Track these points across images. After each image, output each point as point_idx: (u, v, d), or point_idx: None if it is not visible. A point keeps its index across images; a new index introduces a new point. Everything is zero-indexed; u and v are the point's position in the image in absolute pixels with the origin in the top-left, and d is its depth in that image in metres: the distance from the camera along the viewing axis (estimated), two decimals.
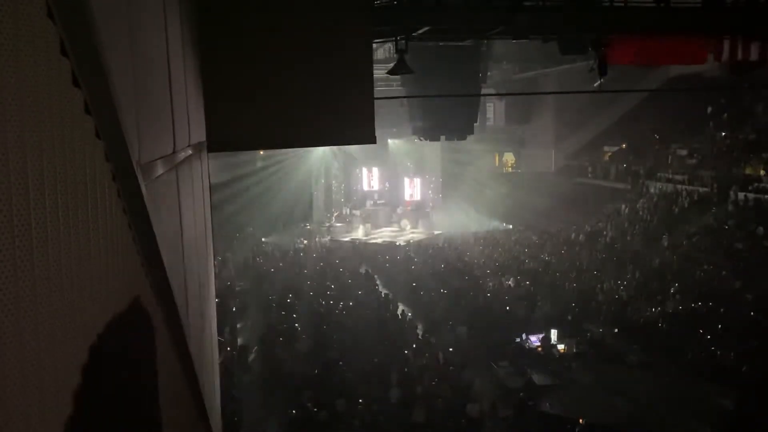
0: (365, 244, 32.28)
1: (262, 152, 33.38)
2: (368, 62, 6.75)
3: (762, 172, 25.86)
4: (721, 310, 18.19)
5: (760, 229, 22.44)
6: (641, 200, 29.95)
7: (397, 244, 32.18)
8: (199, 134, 5.08)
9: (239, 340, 17.04)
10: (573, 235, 29.23)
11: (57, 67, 1.37)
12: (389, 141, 37.13)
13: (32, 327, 1.24)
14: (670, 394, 14.24)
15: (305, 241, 32.26)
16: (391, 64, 12.43)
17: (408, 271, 24.97)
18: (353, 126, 6.77)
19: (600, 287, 21.67)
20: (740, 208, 24.70)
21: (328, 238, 34.12)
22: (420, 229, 36.20)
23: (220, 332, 13.58)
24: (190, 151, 3.98)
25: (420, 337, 17.47)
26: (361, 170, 39.28)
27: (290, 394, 13.48)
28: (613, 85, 19.03)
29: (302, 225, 35.42)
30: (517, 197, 35.20)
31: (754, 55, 13.02)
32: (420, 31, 11.71)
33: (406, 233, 35.59)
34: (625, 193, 31.44)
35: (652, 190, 30.19)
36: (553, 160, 39.10)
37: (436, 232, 35.21)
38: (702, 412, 13.33)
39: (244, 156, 32.76)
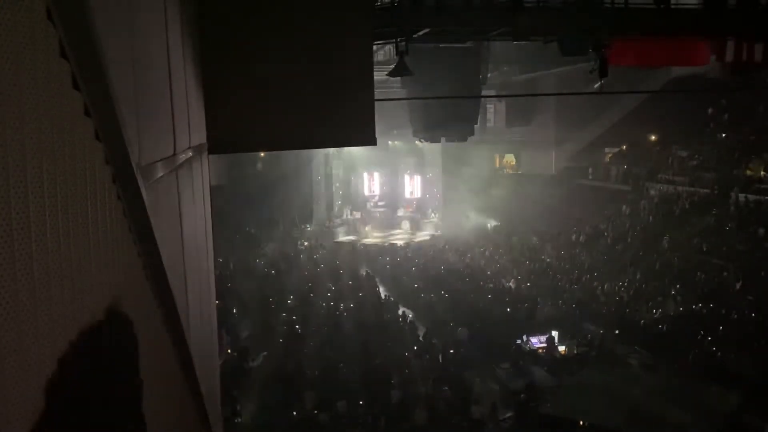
0: (366, 246, 32.29)
1: (262, 154, 33.38)
2: (369, 64, 6.75)
3: (763, 173, 25.85)
4: (722, 311, 18.18)
5: (761, 231, 22.42)
6: (642, 202, 29.92)
7: (398, 245, 32.18)
8: (200, 136, 5.09)
9: (239, 342, 17.01)
10: (574, 237, 29.21)
11: (57, 69, 1.37)
12: (390, 143, 37.13)
13: (32, 330, 1.24)
14: (671, 396, 14.22)
15: (306, 243, 32.25)
16: (392, 66, 12.45)
17: (409, 273, 24.97)
18: (354, 127, 6.77)
19: (601, 289, 21.66)
20: (741, 210, 24.67)
21: (329, 239, 34.11)
22: (420, 231, 36.19)
23: (220, 334, 13.57)
24: (190, 153, 3.98)
25: (421, 338, 17.47)
26: (362, 174, 39.26)
27: (291, 395, 13.47)
28: (614, 86, 19.04)
29: (303, 226, 35.41)
30: (518, 199, 35.17)
31: (757, 56, 13.03)
32: (420, 33, 11.73)
33: (407, 235, 35.58)
34: (626, 194, 31.41)
35: (652, 192, 30.16)
36: (553, 161, 39.04)
37: (436, 234, 35.21)
38: (703, 413, 13.30)
39: (245, 158, 32.76)
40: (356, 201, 38.86)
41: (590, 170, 35.82)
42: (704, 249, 23.47)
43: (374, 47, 8.47)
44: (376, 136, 6.92)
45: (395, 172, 39.59)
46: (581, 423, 12.80)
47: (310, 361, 15.26)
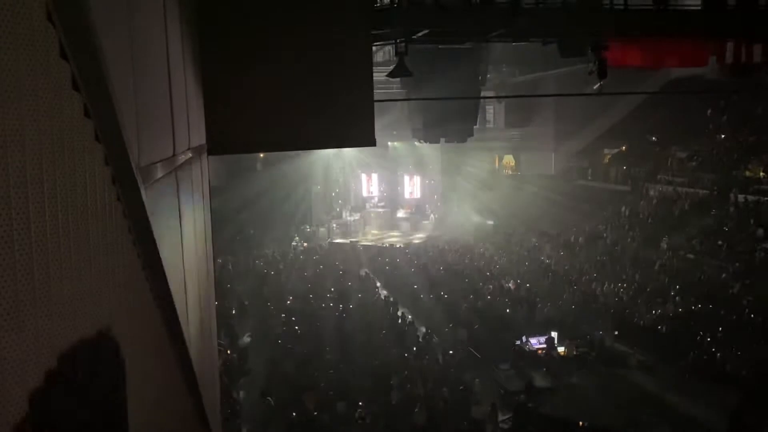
0: (365, 247, 32.27)
1: (262, 155, 33.37)
2: (368, 65, 6.75)
3: (762, 174, 25.85)
4: (721, 312, 18.18)
5: (760, 231, 22.43)
6: (641, 202, 29.93)
7: (398, 246, 32.18)
8: (199, 137, 5.09)
9: (239, 343, 17.02)
10: (573, 238, 29.20)
11: (57, 70, 1.38)
12: (389, 143, 37.12)
13: (33, 330, 1.24)
14: (670, 396, 14.23)
15: (305, 244, 32.25)
16: (391, 67, 12.44)
17: (408, 274, 24.95)
18: (353, 128, 6.78)
19: (600, 290, 21.65)
20: (740, 211, 24.68)
21: (328, 240, 34.11)
22: (420, 232, 36.20)
23: (219, 335, 13.58)
24: (190, 154, 3.98)
25: (420, 339, 17.46)
26: (360, 176, 39.24)
27: (291, 397, 13.47)
28: (613, 87, 19.02)
29: (302, 227, 35.40)
30: (517, 199, 35.18)
31: (756, 57, 13.03)
32: (420, 34, 11.72)
33: (406, 236, 35.58)
34: (625, 195, 31.42)
35: (652, 193, 30.17)
36: (553, 162, 39.06)
37: (436, 235, 35.21)
38: (702, 413, 13.32)
39: (245, 159, 32.76)
40: (355, 202, 38.87)
41: (589, 171, 35.82)
42: (703, 250, 23.48)
43: (373, 48, 8.48)
44: (376, 136, 6.92)
45: (394, 172, 39.58)
46: (580, 424, 12.81)
47: (309, 362, 15.26)
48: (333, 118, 6.55)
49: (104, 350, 1.76)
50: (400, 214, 37.82)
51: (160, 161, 2.72)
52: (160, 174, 2.64)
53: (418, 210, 38.26)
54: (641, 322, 18.53)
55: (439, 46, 15.23)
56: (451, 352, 16.39)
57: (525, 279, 23.52)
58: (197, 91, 5.24)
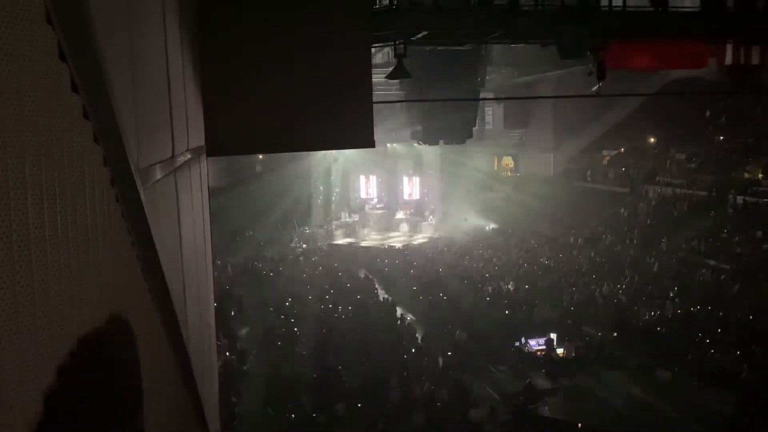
0: (364, 248, 32.28)
1: (261, 156, 33.38)
2: (367, 66, 6.76)
3: (760, 176, 25.87)
4: (720, 313, 18.19)
5: (759, 233, 22.44)
6: (640, 204, 29.95)
7: (396, 248, 32.18)
8: (198, 138, 5.08)
9: (238, 345, 17.00)
10: (572, 239, 29.21)
11: (56, 72, 1.38)
12: (388, 145, 37.12)
13: (31, 331, 1.24)
14: (669, 398, 14.23)
15: (304, 245, 32.24)
16: (390, 69, 12.45)
17: (407, 275, 24.95)
18: (352, 130, 6.78)
19: (599, 291, 21.65)
20: (739, 212, 24.70)
21: (327, 242, 34.10)
22: (419, 233, 36.20)
23: (218, 337, 13.57)
24: (188, 155, 3.98)
25: (419, 341, 17.46)
26: (358, 178, 39.25)
27: (289, 398, 13.46)
28: (612, 88, 19.05)
29: (301, 229, 35.41)
30: (516, 201, 35.17)
31: (755, 58, 13.06)
32: (419, 36, 11.71)
33: (405, 237, 35.59)
34: (624, 197, 31.44)
35: (651, 194, 30.19)
36: (552, 163, 39.05)
37: (435, 236, 35.22)
38: (701, 415, 13.32)
39: (244, 160, 32.76)
40: (354, 203, 38.87)
41: (588, 172, 35.83)
42: (702, 251, 23.49)
43: (372, 50, 8.48)
44: (375, 138, 6.92)
45: (394, 174, 39.59)
46: (579, 425, 12.81)
47: (308, 363, 15.25)
48: (332, 119, 6.55)
49: (103, 352, 1.76)
50: (399, 215, 37.83)
51: (159, 162, 2.72)
52: (159, 175, 2.64)
53: (417, 211, 38.28)
54: (640, 324, 18.52)
55: (438, 48, 15.25)
56: (449, 353, 16.38)
57: (524, 280, 23.51)
58: (196, 92, 5.23)
